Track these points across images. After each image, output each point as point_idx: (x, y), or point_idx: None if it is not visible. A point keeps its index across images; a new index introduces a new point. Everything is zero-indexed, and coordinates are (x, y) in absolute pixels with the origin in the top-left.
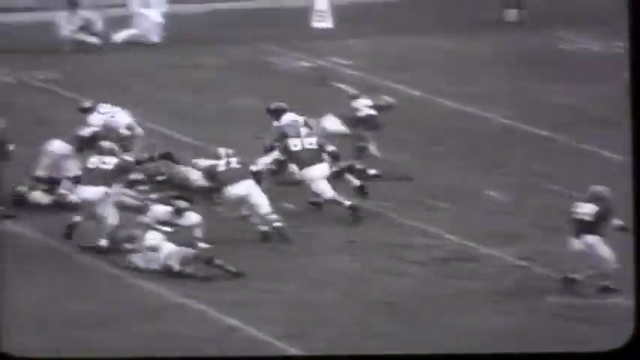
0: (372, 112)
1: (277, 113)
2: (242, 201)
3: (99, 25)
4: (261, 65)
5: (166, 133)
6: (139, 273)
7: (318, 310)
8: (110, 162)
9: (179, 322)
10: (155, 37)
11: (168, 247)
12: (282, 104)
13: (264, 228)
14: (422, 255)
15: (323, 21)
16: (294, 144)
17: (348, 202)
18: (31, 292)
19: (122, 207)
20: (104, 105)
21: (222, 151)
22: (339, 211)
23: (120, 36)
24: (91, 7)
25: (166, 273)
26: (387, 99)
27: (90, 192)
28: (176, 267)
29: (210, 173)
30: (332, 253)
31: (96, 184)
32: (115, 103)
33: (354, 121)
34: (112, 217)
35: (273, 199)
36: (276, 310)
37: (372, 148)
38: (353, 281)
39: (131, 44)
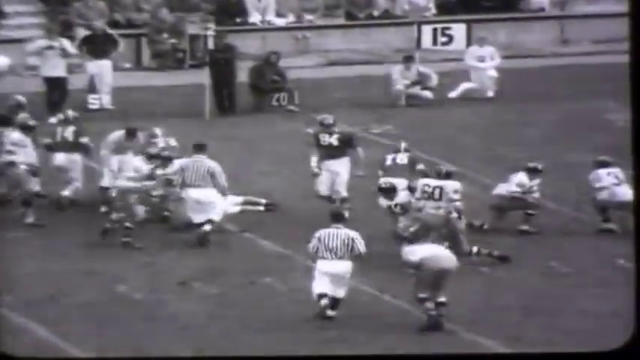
0: None
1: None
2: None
3: (434, 80)
4: (595, 121)
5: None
6: None
7: None
8: None
9: None
10: (490, 92)
11: None
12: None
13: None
14: None
15: None
16: None
17: None
18: None
19: None
20: None
21: None
22: None
23: (455, 91)
24: (425, 61)
25: None
26: None
27: None
28: None
29: None
30: None
31: None
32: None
33: None
34: None
35: None
36: None
37: None
38: None
39: (465, 99)
